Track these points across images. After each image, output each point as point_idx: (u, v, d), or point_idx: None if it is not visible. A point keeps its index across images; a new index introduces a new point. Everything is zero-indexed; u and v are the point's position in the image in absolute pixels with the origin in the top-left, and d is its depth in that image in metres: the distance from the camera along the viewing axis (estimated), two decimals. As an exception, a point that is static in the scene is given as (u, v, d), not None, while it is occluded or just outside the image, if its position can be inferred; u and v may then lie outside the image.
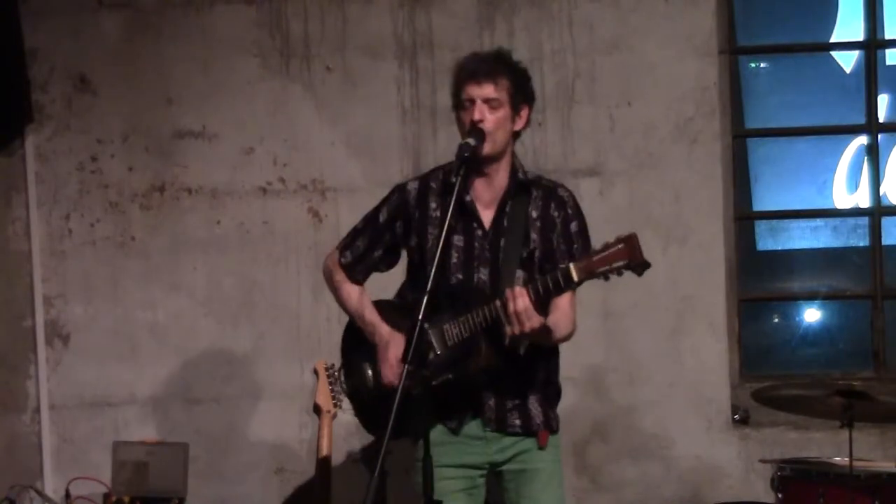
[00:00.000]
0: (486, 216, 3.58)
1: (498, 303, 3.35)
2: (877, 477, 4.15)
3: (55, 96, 5.43)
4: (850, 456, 4.07)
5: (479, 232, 3.57)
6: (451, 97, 3.61)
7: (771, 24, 5.54)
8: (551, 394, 3.67)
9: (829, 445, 4.79)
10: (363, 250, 3.74)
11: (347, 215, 5.30)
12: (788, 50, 5.57)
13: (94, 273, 5.42)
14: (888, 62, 5.49)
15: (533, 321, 3.32)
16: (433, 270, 3.25)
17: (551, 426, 3.63)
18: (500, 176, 3.59)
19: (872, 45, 5.42)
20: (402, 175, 5.29)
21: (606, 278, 3.30)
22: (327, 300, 5.29)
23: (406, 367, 3.15)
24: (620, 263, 3.25)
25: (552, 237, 3.56)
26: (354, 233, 3.79)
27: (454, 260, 3.56)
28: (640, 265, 3.28)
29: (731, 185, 5.36)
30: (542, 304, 3.38)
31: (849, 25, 5.48)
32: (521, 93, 3.56)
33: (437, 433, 3.52)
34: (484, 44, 5.20)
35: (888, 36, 5.45)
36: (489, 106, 3.49)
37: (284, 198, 5.37)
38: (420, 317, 3.19)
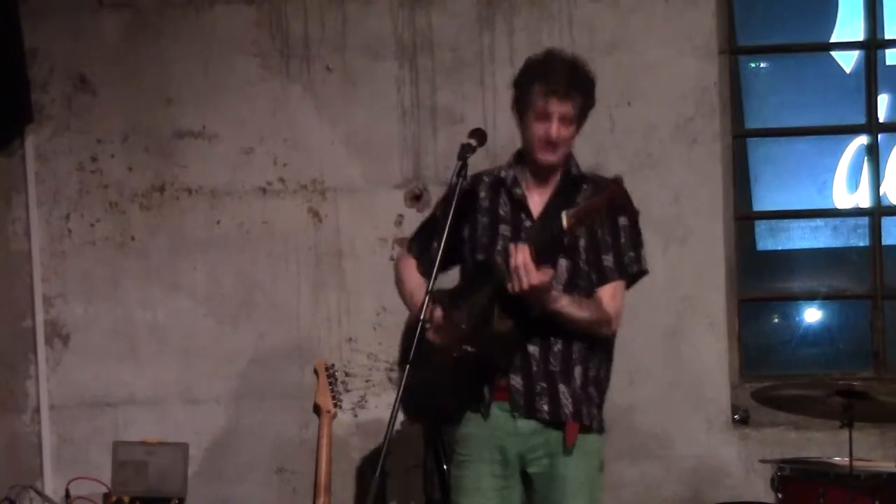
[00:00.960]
0: (535, 208, 3.64)
1: (499, 259, 3.38)
2: (877, 477, 4.16)
3: (55, 96, 5.43)
4: (850, 456, 4.07)
5: (528, 222, 3.62)
6: (516, 88, 3.63)
7: (771, 24, 5.54)
8: (592, 392, 3.66)
9: (829, 445, 4.78)
10: (426, 242, 3.79)
11: (347, 215, 5.32)
12: (788, 50, 5.57)
13: (94, 273, 5.41)
14: (888, 62, 5.49)
15: (531, 277, 3.34)
16: (436, 267, 3.27)
17: (582, 420, 3.61)
18: (554, 177, 3.66)
19: (872, 45, 5.42)
20: (402, 175, 5.30)
21: (600, 226, 3.38)
22: (327, 300, 5.33)
23: (407, 367, 3.16)
24: (604, 205, 3.31)
25: (596, 229, 3.56)
26: (422, 230, 3.87)
27: (499, 247, 3.60)
28: (623, 207, 3.36)
29: (731, 185, 5.36)
30: (545, 262, 3.42)
31: (849, 25, 5.48)
32: (590, 105, 3.64)
33: (471, 425, 3.59)
34: (484, 44, 5.21)
35: (888, 36, 5.45)
36: (563, 122, 3.54)
37: (284, 198, 5.37)
38: (421, 317, 3.20)
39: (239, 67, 5.38)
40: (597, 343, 3.66)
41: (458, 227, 3.66)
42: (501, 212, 3.64)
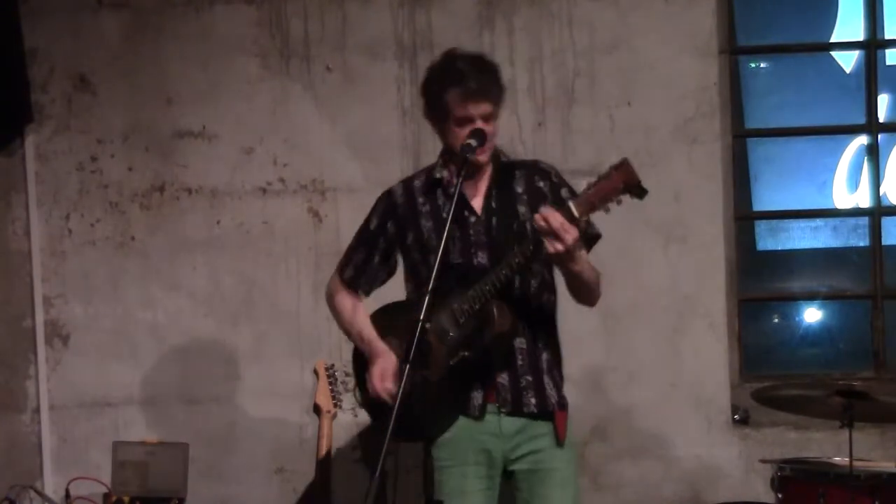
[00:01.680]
0: (477, 203, 3.67)
1: (532, 225, 3.38)
2: (877, 477, 4.15)
3: (55, 96, 5.43)
4: (850, 456, 4.07)
5: (472, 218, 3.65)
6: (426, 97, 3.68)
7: (771, 24, 5.54)
8: (558, 377, 3.70)
9: (829, 445, 4.79)
10: (361, 262, 3.83)
11: (347, 215, 5.31)
12: (788, 50, 5.57)
13: (94, 273, 5.41)
14: (888, 62, 5.49)
15: (571, 233, 3.34)
16: (436, 266, 3.27)
17: (565, 406, 3.67)
18: (486, 169, 3.68)
19: (872, 45, 5.42)
20: (402, 175, 5.26)
21: (607, 210, 3.37)
22: (327, 300, 5.33)
23: (407, 367, 3.15)
24: (618, 188, 3.32)
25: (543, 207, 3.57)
26: (349, 251, 3.88)
27: (452, 248, 3.61)
28: (637, 187, 3.34)
29: (731, 185, 5.36)
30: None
31: (849, 25, 5.48)
32: (503, 91, 3.66)
33: (459, 428, 3.58)
34: (484, 44, 5.20)
35: (888, 36, 5.45)
36: (485, 121, 3.58)
37: (284, 198, 5.37)
38: (421, 316, 3.20)
39: (239, 67, 5.38)
40: (553, 327, 3.71)
41: (400, 236, 3.72)
42: (444, 213, 3.59)
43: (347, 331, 3.85)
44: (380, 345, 3.68)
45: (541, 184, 3.68)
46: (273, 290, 5.35)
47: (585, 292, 3.64)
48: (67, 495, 5.19)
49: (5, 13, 5.25)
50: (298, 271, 5.34)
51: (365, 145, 5.34)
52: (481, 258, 3.61)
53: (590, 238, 3.68)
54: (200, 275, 5.39)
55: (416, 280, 3.73)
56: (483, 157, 3.60)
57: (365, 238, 3.83)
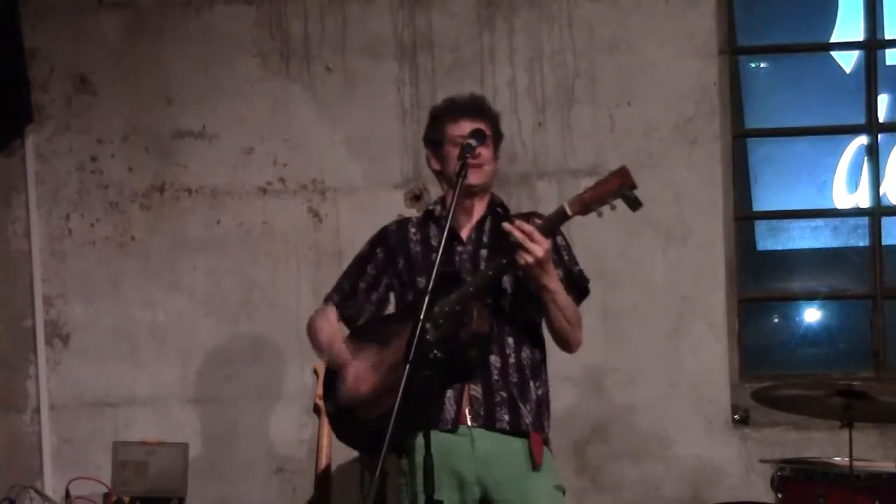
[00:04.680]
0: (465, 233, 3.69)
1: (508, 225, 3.39)
2: (877, 477, 4.15)
3: (55, 96, 5.43)
4: (850, 456, 4.07)
5: (459, 247, 3.66)
6: (428, 141, 3.73)
7: (771, 24, 5.54)
8: (543, 403, 3.64)
9: (829, 445, 4.79)
10: (348, 288, 3.83)
11: (347, 215, 5.32)
12: (788, 50, 5.57)
13: (94, 273, 5.42)
14: (888, 62, 5.49)
15: (542, 244, 3.36)
16: (435, 268, 3.26)
17: (544, 431, 3.59)
18: (479, 208, 3.71)
19: (872, 45, 5.42)
20: (402, 175, 5.30)
21: (600, 213, 3.38)
22: (327, 300, 5.33)
23: (408, 367, 3.15)
24: (614, 189, 3.34)
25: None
26: (338, 280, 3.89)
27: (433, 274, 3.57)
28: (631, 189, 3.35)
29: (731, 185, 5.36)
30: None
31: (849, 25, 5.48)
32: (499, 135, 3.72)
33: (421, 454, 3.37)
34: (484, 44, 5.21)
35: (888, 36, 5.45)
36: (479, 140, 3.56)
37: (284, 198, 5.37)
38: (421, 316, 3.20)
39: (239, 67, 5.38)
40: (542, 359, 3.67)
41: (389, 262, 3.75)
42: (433, 241, 3.66)
43: (322, 346, 3.73)
44: (348, 355, 3.62)
45: (537, 220, 3.60)
46: (273, 290, 5.35)
47: (564, 328, 3.56)
48: (67, 495, 5.19)
49: (5, 13, 5.25)
50: (298, 271, 5.34)
51: (365, 145, 5.34)
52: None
53: (580, 290, 3.67)
54: (200, 275, 5.39)
55: (402, 302, 3.74)
56: (476, 179, 3.57)
57: (354, 265, 3.85)
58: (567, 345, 3.63)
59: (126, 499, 5.05)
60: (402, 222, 3.84)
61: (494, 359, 3.56)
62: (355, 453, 5.20)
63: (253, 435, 5.33)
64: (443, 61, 5.29)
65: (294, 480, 5.30)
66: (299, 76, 5.37)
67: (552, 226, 3.43)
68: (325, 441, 4.69)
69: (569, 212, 3.39)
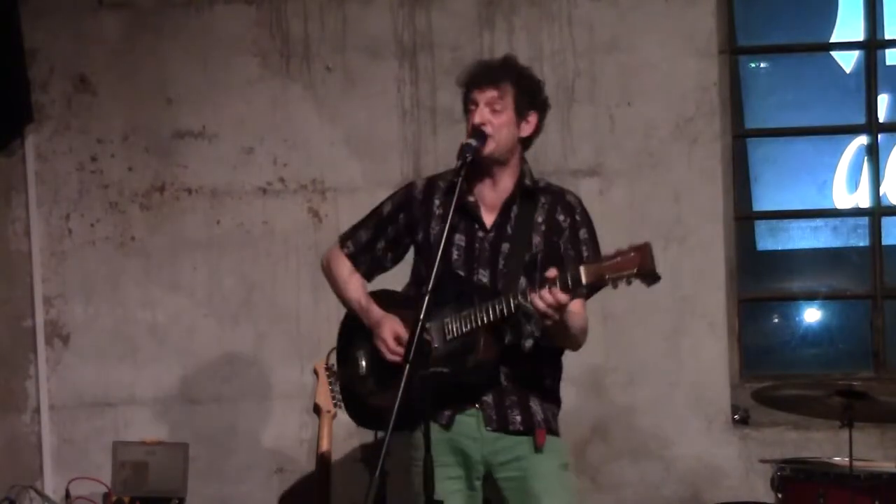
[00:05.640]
0: (489, 218, 3.60)
1: (525, 301, 3.32)
2: (877, 477, 4.15)
3: (55, 96, 5.43)
4: (850, 456, 4.07)
5: (480, 233, 3.59)
6: (463, 100, 3.63)
7: (771, 24, 5.54)
8: (552, 400, 3.65)
9: (829, 445, 4.79)
10: (366, 241, 3.76)
11: (347, 215, 5.28)
12: (788, 50, 5.57)
13: (94, 273, 5.42)
14: (888, 62, 5.49)
15: (563, 311, 3.31)
16: (434, 269, 3.26)
17: (551, 427, 3.61)
18: (506, 181, 3.60)
19: (872, 45, 5.42)
20: (402, 175, 5.29)
21: (615, 286, 3.28)
22: (327, 300, 5.28)
23: (407, 366, 3.15)
24: (630, 271, 3.22)
25: (558, 242, 3.57)
26: (357, 225, 3.81)
27: (455, 257, 3.58)
28: (650, 274, 3.23)
29: (731, 185, 5.36)
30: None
31: (849, 25, 5.48)
32: (528, 98, 3.58)
33: (434, 430, 3.49)
34: (484, 44, 5.21)
35: (888, 36, 5.45)
36: (492, 109, 3.52)
37: (284, 198, 5.37)
38: (421, 316, 3.19)
39: (239, 67, 5.38)
40: (553, 354, 3.64)
41: (410, 229, 3.67)
42: (454, 220, 3.53)
43: (343, 296, 3.77)
44: (381, 311, 3.60)
45: (561, 217, 3.59)
46: (273, 291, 5.35)
47: (568, 342, 3.58)
48: (67, 495, 5.19)
49: (5, 13, 5.25)
50: (298, 271, 5.34)
51: (365, 145, 5.34)
52: (482, 276, 3.56)
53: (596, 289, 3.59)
54: (200, 275, 5.39)
55: (416, 277, 3.69)
56: (486, 150, 3.50)
57: (375, 220, 3.76)
58: (571, 348, 3.64)
59: (126, 499, 5.05)
60: (430, 186, 3.68)
61: (504, 368, 3.54)
62: (355, 453, 5.21)
63: (253, 435, 5.34)
64: (443, 61, 5.29)
65: (294, 480, 5.30)
66: (299, 76, 5.37)
67: (565, 290, 3.30)
68: (325, 441, 4.69)
69: (583, 280, 3.26)
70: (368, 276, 3.76)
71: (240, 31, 5.38)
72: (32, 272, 5.41)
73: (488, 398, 3.55)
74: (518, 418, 3.56)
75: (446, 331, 3.48)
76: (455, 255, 3.58)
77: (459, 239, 3.58)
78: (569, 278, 3.28)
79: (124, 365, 5.39)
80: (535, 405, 3.58)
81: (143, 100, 5.41)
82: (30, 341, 5.41)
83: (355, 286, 3.74)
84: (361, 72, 5.34)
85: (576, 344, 3.60)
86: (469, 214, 3.58)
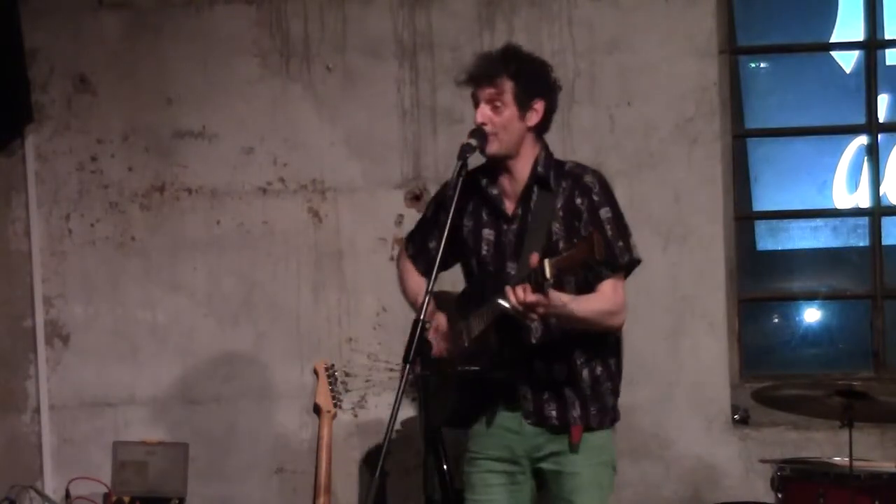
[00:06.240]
0: (510, 208, 3.63)
1: (500, 301, 3.35)
2: (877, 477, 4.16)
3: (55, 96, 5.43)
4: (850, 456, 4.07)
5: (505, 225, 3.62)
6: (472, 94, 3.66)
7: (771, 24, 5.54)
8: (602, 390, 3.65)
9: (829, 445, 4.79)
10: (420, 244, 3.85)
11: (347, 215, 5.33)
12: (788, 50, 5.57)
13: (94, 273, 5.41)
14: (888, 62, 5.49)
15: (538, 309, 3.31)
16: (434, 270, 3.28)
17: (589, 422, 3.61)
18: (523, 169, 3.62)
19: (872, 45, 5.42)
20: (402, 175, 5.30)
21: (583, 276, 3.38)
22: (327, 300, 5.33)
23: (407, 366, 3.16)
24: (579, 260, 3.21)
25: (578, 226, 3.55)
26: (416, 227, 3.92)
27: (484, 252, 3.63)
28: (598, 263, 3.23)
29: (731, 185, 5.36)
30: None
31: (849, 25, 5.48)
32: (529, 88, 3.57)
33: (483, 422, 3.63)
34: (484, 44, 5.20)
35: (888, 36, 5.45)
36: (492, 106, 3.52)
37: (284, 198, 5.37)
38: (421, 316, 3.20)
39: (239, 67, 5.38)
40: (602, 340, 3.63)
41: (458, 226, 3.66)
42: (484, 215, 3.63)
43: (404, 295, 3.91)
44: (431, 309, 3.57)
45: (579, 200, 3.58)
46: (273, 291, 5.35)
47: (588, 327, 3.55)
48: (67, 495, 5.19)
49: (5, 13, 5.25)
50: (298, 271, 5.34)
51: (365, 145, 5.34)
52: (511, 268, 3.58)
53: (626, 267, 3.59)
54: (200, 275, 5.39)
55: (465, 272, 3.75)
56: (490, 150, 3.53)
57: (423, 222, 3.86)
58: (609, 328, 3.61)
59: (126, 499, 5.05)
60: (475, 177, 3.63)
61: (538, 361, 3.57)
62: (355, 453, 5.21)
63: (253, 435, 5.33)
64: (443, 61, 5.29)
65: (294, 480, 5.30)
66: (299, 76, 5.37)
67: (538, 286, 3.29)
68: (325, 441, 4.70)
69: (548, 275, 3.24)
70: (427, 274, 3.62)
71: (240, 31, 5.38)
72: (32, 272, 5.41)
73: (526, 392, 3.59)
74: (554, 413, 3.59)
75: (472, 328, 3.53)
76: (485, 249, 3.63)
77: (488, 234, 3.62)
78: (534, 274, 3.28)
79: (124, 365, 5.38)
80: (571, 399, 3.59)
81: (143, 100, 5.41)
82: (30, 341, 5.41)
83: (411, 286, 3.84)
84: (361, 72, 5.34)
85: (601, 326, 3.55)
86: (493, 207, 3.61)
